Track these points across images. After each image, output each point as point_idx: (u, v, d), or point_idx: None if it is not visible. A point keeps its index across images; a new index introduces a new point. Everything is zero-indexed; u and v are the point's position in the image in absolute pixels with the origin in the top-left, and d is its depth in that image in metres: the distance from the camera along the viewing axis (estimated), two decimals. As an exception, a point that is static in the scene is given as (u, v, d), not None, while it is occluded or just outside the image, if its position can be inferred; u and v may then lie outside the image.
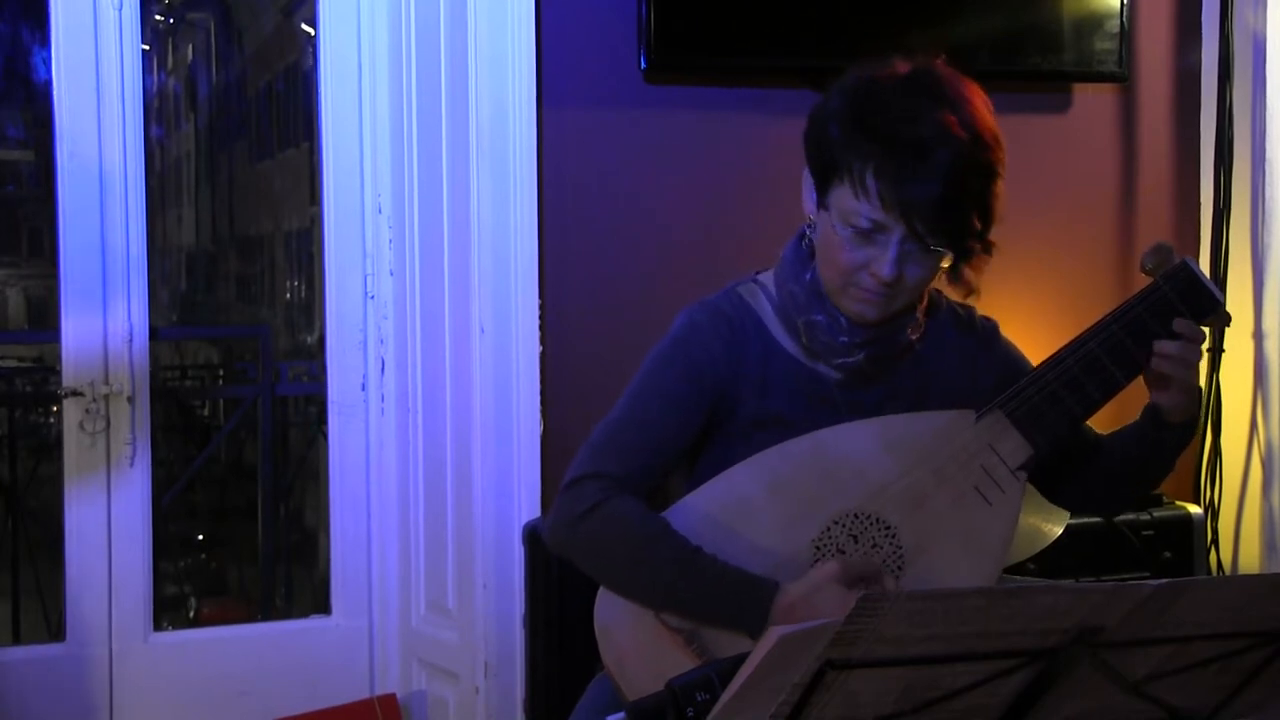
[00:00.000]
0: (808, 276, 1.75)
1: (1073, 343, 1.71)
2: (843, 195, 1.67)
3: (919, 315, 1.79)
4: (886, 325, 1.75)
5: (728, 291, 1.83)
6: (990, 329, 1.89)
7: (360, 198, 2.88)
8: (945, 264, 1.69)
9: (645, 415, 1.76)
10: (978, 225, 1.66)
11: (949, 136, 1.62)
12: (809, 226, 1.77)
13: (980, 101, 1.68)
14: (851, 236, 1.67)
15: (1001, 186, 1.68)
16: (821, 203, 1.71)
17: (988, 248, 1.71)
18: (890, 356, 1.78)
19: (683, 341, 1.78)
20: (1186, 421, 1.75)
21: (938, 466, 1.70)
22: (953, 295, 1.80)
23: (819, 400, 1.78)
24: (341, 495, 2.90)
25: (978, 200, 1.65)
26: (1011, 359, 1.89)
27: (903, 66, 1.70)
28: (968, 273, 1.72)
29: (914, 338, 1.79)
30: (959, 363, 1.85)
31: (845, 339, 1.74)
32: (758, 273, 1.86)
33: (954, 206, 1.63)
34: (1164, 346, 1.67)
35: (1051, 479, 1.88)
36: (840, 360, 1.76)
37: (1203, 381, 2.98)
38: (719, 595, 1.63)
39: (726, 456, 1.76)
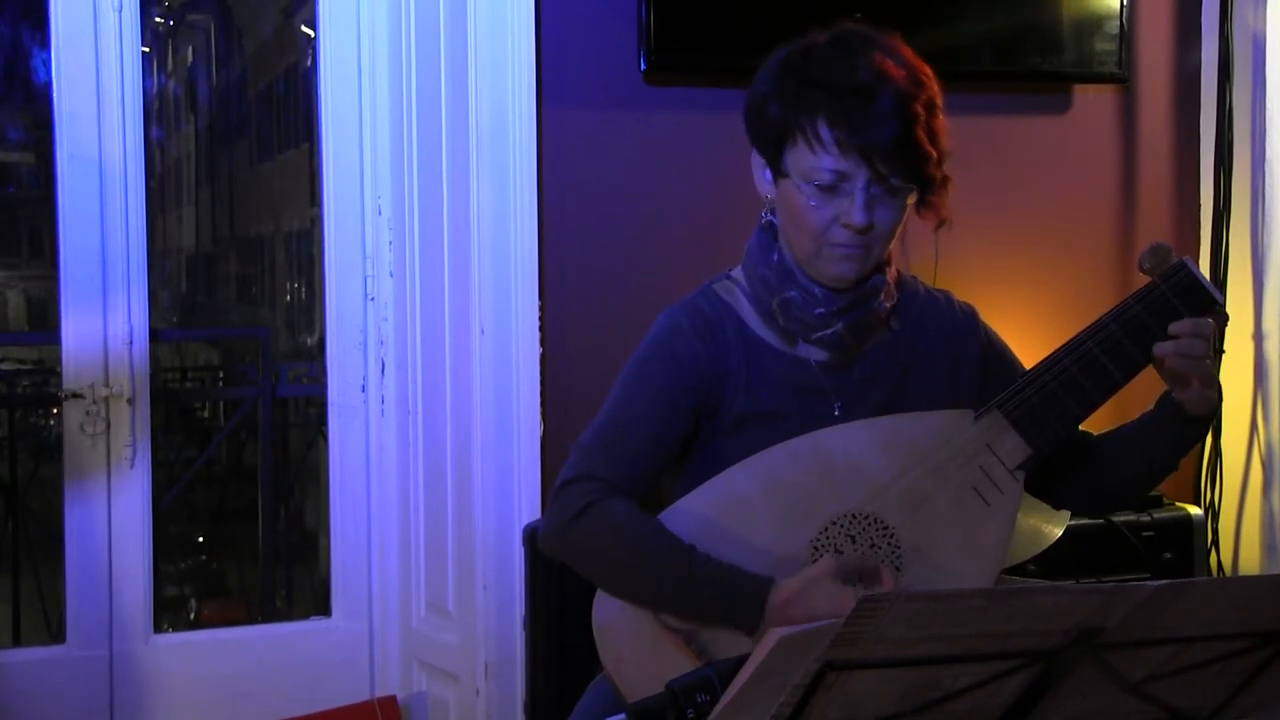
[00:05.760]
0: (775, 258, 1.78)
1: (1070, 342, 1.71)
2: (799, 155, 1.70)
3: (888, 279, 1.80)
4: (860, 289, 1.76)
5: (704, 290, 1.85)
6: (970, 311, 1.91)
7: (360, 199, 2.88)
8: (911, 201, 1.72)
9: (632, 416, 1.77)
10: (933, 153, 1.70)
11: (887, 76, 1.68)
12: (767, 210, 1.80)
13: (904, 46, 1.74)
14: (815, 193, 1.69)
15: (944, 120, 1.73)
16: (779, 172, 1.74)
17: (945, 178, 1.74)
18: (868, 324, 1.79)
19: (664, 342, 1.79)
20: (1207, 414, 1.74)
21: (936, 467, 1.70)
22: (928, 222, 1.80)
23: (803, 388, 1.78)
24: (342, 497, 2.90)
25: (928, 131, 1.69)
26: (994, 341, 1.90)
27: (822, 35, 1.75)
28: (935, 201, 1.75)
29: (888, 305, 1.80)
30: (939, 345, 1.86)
31: (821, 309, 1.75)
32: (730, 270, 1.87)
33: (908, 139, 1.67)
34: (1165, 348, 1.67)
35: (1046, 480, 1.87)
36: (819, 334, 1.77)
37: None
38: (712, 593, 1.63)
39: (717, 456, 1.76)
